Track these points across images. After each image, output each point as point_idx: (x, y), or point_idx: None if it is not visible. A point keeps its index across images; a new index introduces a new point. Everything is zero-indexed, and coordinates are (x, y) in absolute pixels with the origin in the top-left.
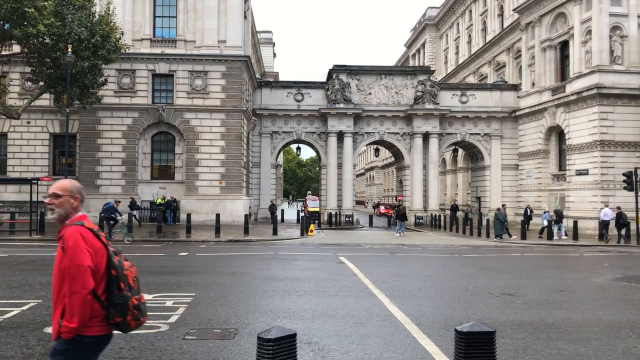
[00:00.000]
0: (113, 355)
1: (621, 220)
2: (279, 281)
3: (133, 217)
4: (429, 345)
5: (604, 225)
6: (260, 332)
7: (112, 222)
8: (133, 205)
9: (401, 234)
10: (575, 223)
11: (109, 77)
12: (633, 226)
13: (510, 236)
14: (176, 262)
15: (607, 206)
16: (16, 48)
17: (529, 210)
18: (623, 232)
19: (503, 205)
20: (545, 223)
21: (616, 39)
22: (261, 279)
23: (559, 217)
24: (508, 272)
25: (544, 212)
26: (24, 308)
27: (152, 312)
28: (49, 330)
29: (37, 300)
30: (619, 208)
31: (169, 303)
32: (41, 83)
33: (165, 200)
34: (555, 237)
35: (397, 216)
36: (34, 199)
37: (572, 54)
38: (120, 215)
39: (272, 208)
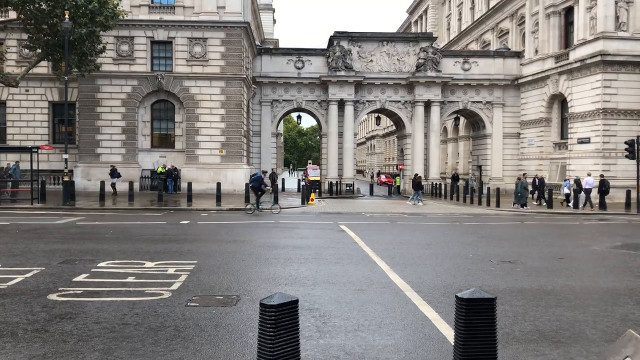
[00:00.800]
0: (116, 321)
1: (604, 187)
2: (280, 249)
3: (111, 186)
4: (428, 311)
5: (587, 192)
6: (262, 299)
7: (260, 192)
8: (113, 174)
9: (416, 202)
10: (576, 191)
11: (107, 44)
12: (634, 194)
13: (522, 206)
14: (177, 231)
15: (589, 175)
16: (12, 14)
17: (537, 180)
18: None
19: (524, 174)
20: (566, 190)
21: (622, 5)
22: (262, 247)
23: (579, 186)
24: (508, 240)
25: (565, 180)
26: (28, 275)
27: (155, 279)
28: (53, 297)
29: (40, 268)
30: (601, 176)
31: (171, 270)
32: (39, 50)
33: (166, 169)
34: (570, 205)
35: (413, 185)
36: (35, 167)
37: (577, 20)
38: (267, 185)
39: (272, 177)
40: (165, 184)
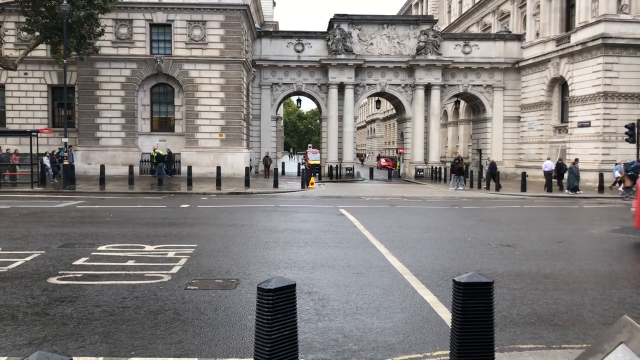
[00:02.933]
0: (116, 305)
1: (561, 170)
2: (279, 233)
3: (46, 171)
4: (427, 295)
5: (547, 175)
6: (260, 283)
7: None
8: (52, 158)
9: (457, 188)
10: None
11: (106, 27)
12: None
13: (579, 190)
14: (178, 214)
15: (548, 159)
16: None
17: (564, 165)
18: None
19: (576, 160)
20: (617, 174)
21: None
22: (262, 231)
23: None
24: (507, 224)
25: (615, 164)
26: (28, 259)
27: (155, 263)
28: (53, 280)
29: (40, 252)
30: (560, 160)
31: (170, 254)
32: (37, 33)
33: (156, 152)
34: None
35: (452, 170)
36: (35, 151)
37: (579, 2)
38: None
39: (267, 160)
40: (160, 168)
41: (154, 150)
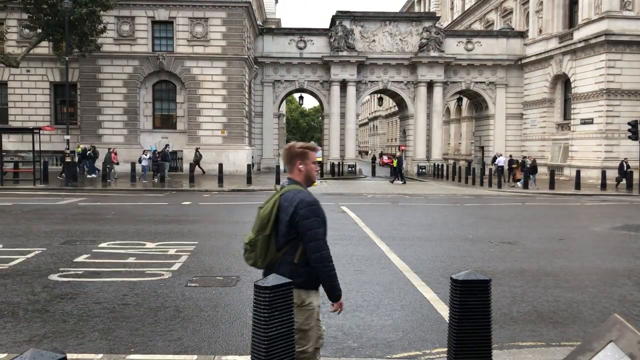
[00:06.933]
0: (116, 301)
1: (512, 165)
2: None
3: (143, 171)
4: (427, 292)
5: (499, 169)
6: (257, 280)
7: None
8: (152, 156)
9: (533, 186)
10: (578, 172)
11: (108, 24)
12: (636, 175)
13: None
14: (179, 211)
15: (500, 155)
16: None
17: (625, 165)
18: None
19: (625, 159)
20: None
21: None
22: None
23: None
24: (508, 221)
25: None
26: (29, 256)
27: (155, 260)
28: (54, 277)
29: (42, 249)
30: (510, 156)
31: (171, 251)
32: (39, 30)
33: (81, 149)
34: None
35: (524, 169)
36: (37, 148)
37: None
38: None
39: (198, 156)
40: (79, 164)
41: (78, 147)
